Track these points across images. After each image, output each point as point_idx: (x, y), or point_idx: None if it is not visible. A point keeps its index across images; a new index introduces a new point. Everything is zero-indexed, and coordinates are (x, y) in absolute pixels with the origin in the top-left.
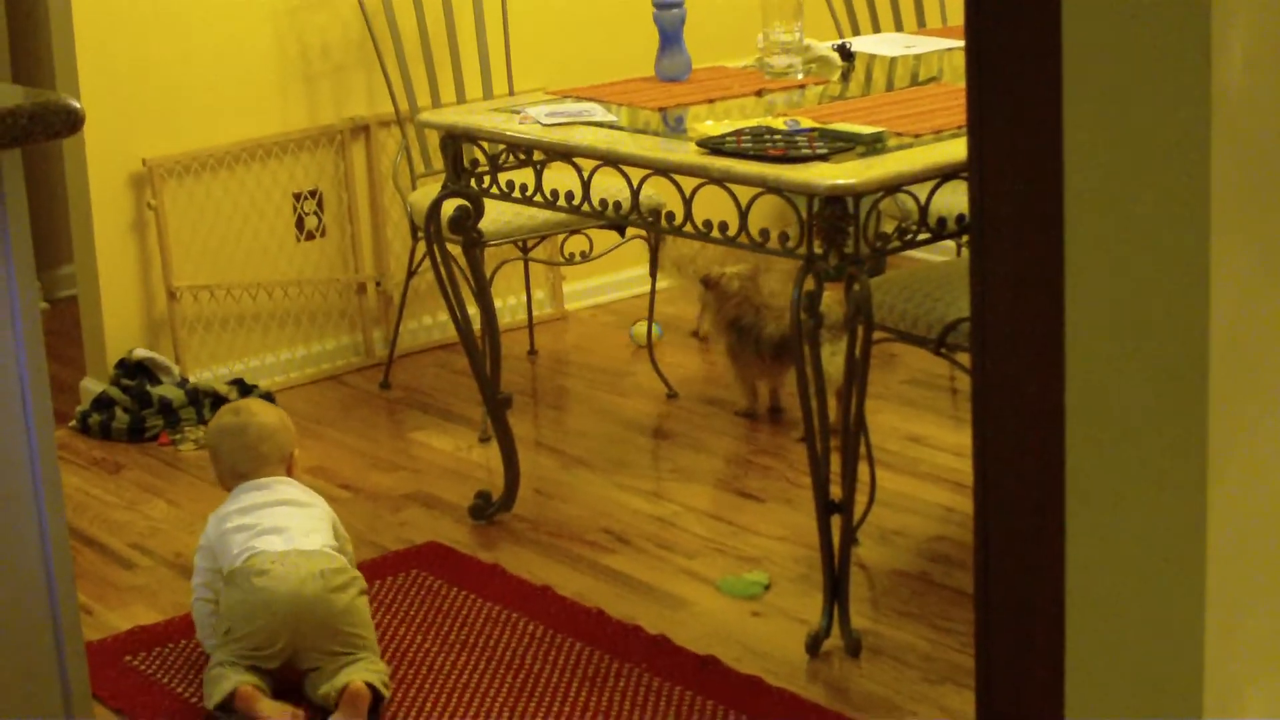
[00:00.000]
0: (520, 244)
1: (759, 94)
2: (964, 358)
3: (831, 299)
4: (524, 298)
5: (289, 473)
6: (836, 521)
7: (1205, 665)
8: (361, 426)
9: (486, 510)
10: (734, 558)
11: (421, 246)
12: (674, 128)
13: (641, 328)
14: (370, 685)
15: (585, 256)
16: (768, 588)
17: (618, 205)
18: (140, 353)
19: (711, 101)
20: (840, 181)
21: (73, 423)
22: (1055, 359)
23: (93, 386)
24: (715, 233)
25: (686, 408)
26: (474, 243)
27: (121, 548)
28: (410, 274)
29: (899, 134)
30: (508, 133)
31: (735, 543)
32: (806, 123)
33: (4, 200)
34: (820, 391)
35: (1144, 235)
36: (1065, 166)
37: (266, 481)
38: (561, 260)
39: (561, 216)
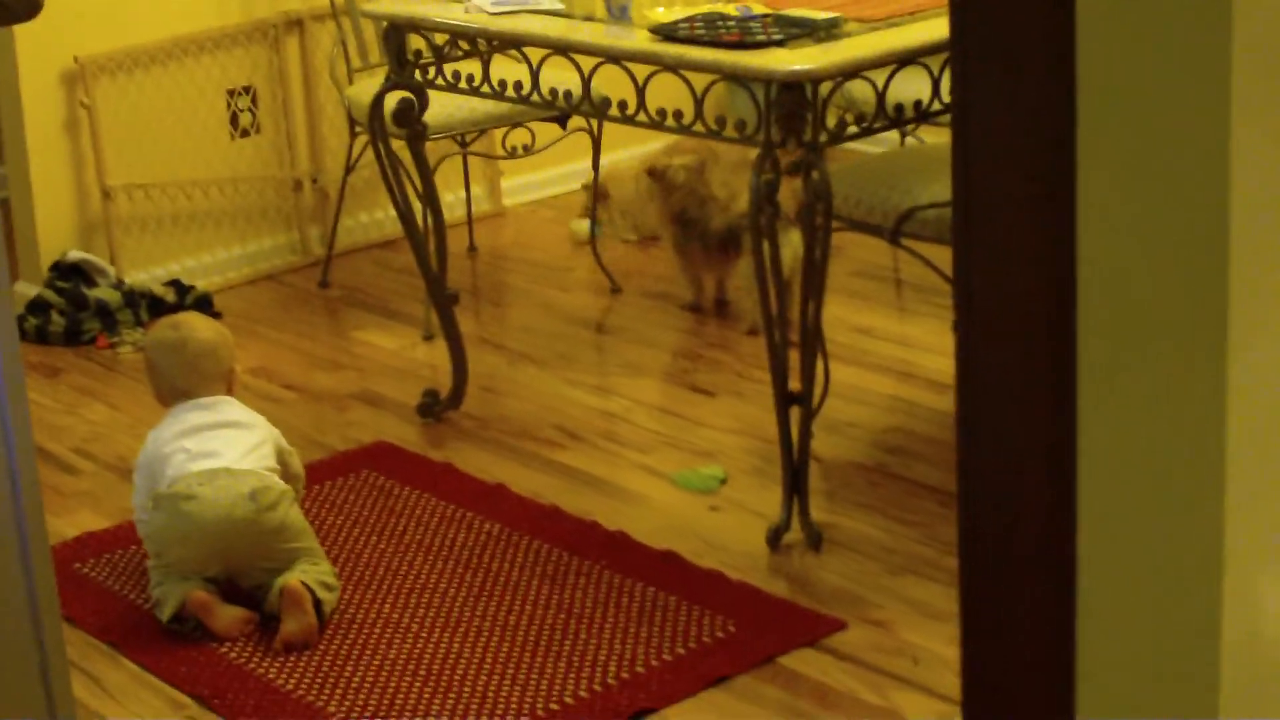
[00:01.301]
0: (459, 138)
1: None
2: (919, 246)
3: (785, 189)
4: (462, 194)
5: (230, 390)
6: (794, 414)
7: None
8: (302, 326)
9: (434, 408)
10: (688, 452)
11: (360, 142)
12: (618, 15)
13: (581, 224)
14: (306, 585)
15: (528, 150)
16: (724, 481)
17: (568, 95)
18: (75, 254)
19: None
20: (799, 67)
21: None
22: (1059, 254)
23: (27, 290)
24: (670, 121)
25: (631, 302)
26: (418, 136)
27: (64, 453)
28: (348, 170)
29: (855, 19)
30: (454, 22)
31: (688, 437)
32: (759, 8)
33: None
34: (779, 283)
35: (1165, 113)
36: (1079, 45)
37: (208, 401)
38: (503, 154)
39: (504, 109)
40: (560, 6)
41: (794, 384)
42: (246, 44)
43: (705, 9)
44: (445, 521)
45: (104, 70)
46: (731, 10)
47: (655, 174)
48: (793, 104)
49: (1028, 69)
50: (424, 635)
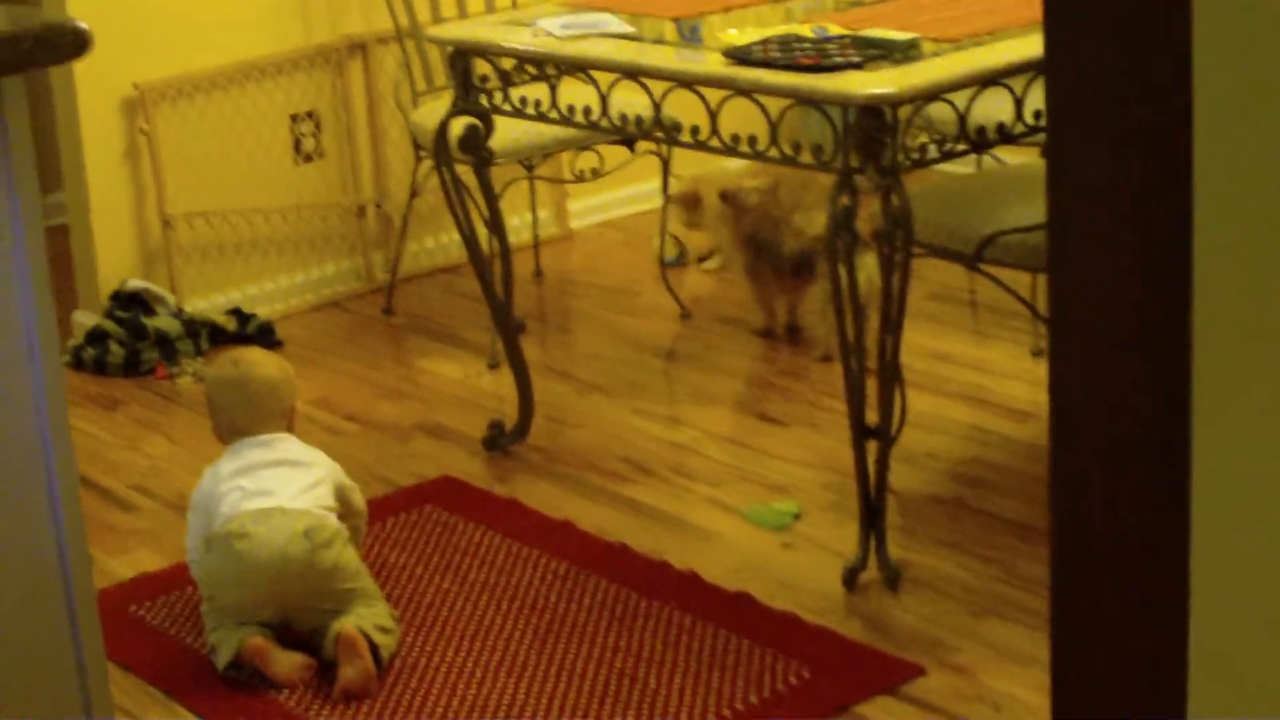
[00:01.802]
0: (525, 163)
1: (777, 0)
2: (1000, 272)
3: (860, 212)
4: (528, 217)
5: (290, 427)
6: (870, 447)
7: None
8: (365, 354)
9: (500, 441)
10: (760, 485)
11: (425, 167)
12: (689, 37)
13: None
14: (362, 631)
15: (596, 174)
16: (797, 517)
17: (639, 120)
18: (134, 283)
19: (728, 10)
20: (878, 91)
21: (65, 357)
22: (1167, 279)
23: (85, 319)
24: (744, 146)
25: (701, 328)
26: (484, 162)
27: (121, 489)
28: (413, 195)
29: (934, 39)
30: (522, 47)
31: (760, 469)
32: (835, 29)
33: (6, 128)
34: (857, 310)
35: None
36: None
37: (267, 438)
38: (570, 178)
39: (571, 132)
40: (630, 29)
41: (870, 415)
42: (309, 68)
43: (780, 31)
44: (510, 559)
45: (164, 97)
46: (807, 32)
47: (728, 197)
48: (871, 128)
49: (1129, 85)
50: (487, 680)
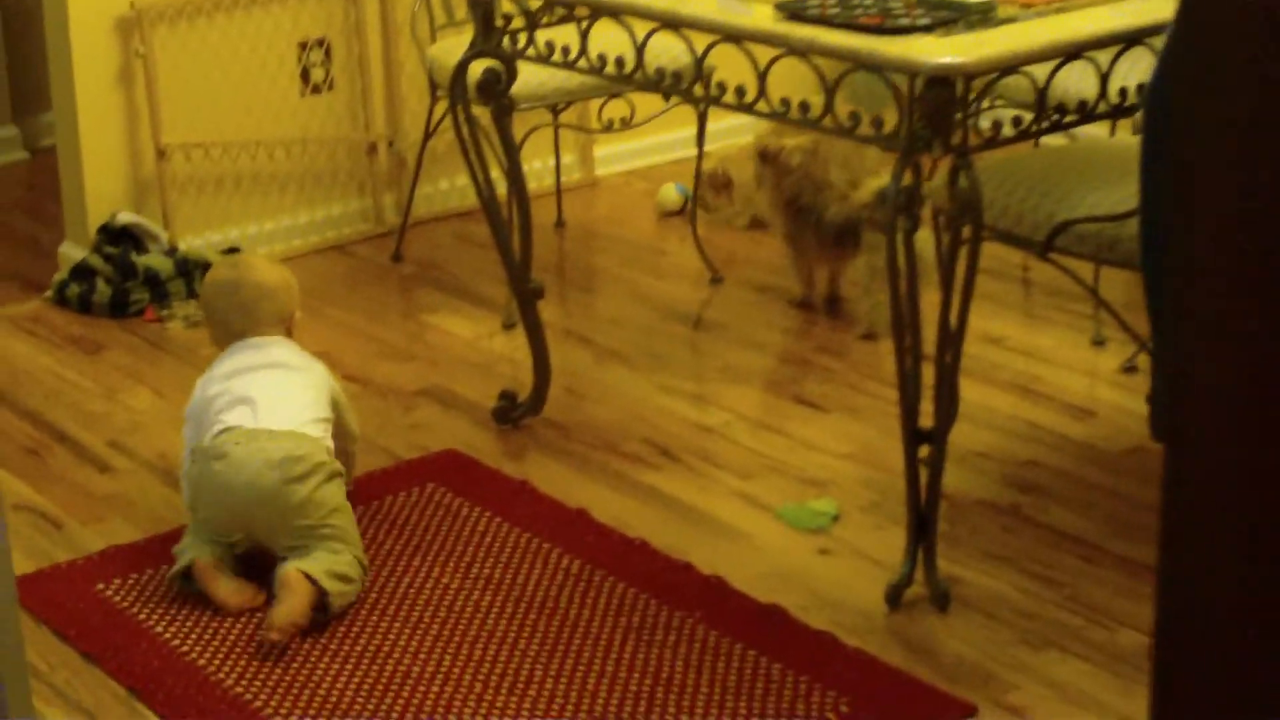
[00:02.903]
0: (551, 107)
1: None
2: (1072, 263)
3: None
4: (550, 162)
5: (289, 334)
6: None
7: None
8: (370, 305)
9: (512, 413)
10: (795, 479)
11: (441, 106)
12: None
13: (669, 191)
14: (308, 575)
15: (626, 124)
16: (836, 519)
17: (676, 76)
18: (125, 217)
19: None
20: (950, 60)
21: (49, 293)
22: None
23: (72, 253)
24: (794, 112)
25: (733, 295)
26: (505, 110)
27: (98, 446)
28: (427, 135)
29: (1008, 2)
30: None
31: (795, 461)
32: None
33: None
34: (913, 294)
35: None
36: None
37: (260, 341)
38: (598, 127)
39: (600, 79)
40: None
41: (924, 414)
42: None
43: None
44: (519, 553)
45: (163, 17)
46: None
47: (767, 156)
48: (940, 101)
49: None
50: (487, 696)
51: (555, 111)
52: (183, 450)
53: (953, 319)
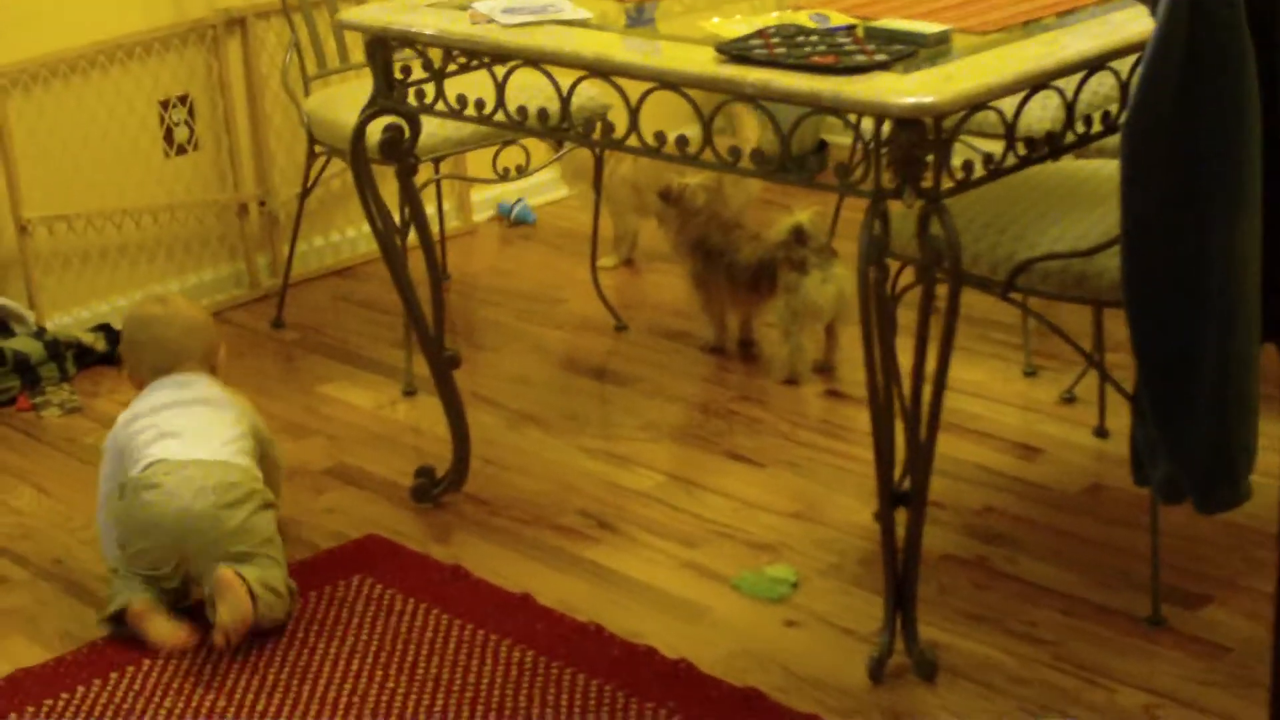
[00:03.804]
0: (434, 158)
1: None
2: (1034, 303)
3: (818, 216)
4: (430, 211)
5: (214, 373)
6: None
7: None
8: (256, 378)
9: (431, 490)
10: (744, 544)
11: (319, 162)
12: (636, 18)
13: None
14: (241, 576)
15: (522, 171)
16: (796, 585)
17: (608, 127)
18: None
19: None
20: (924, 100)
21: None
22: None
23: None
24: (745, 162)
25: (640, 342)
26: (410, 170)
27: None
28: (305, 193)
29: (961, 30)
30: (459, 37)
31: (741, 523)
32: (837, 17)
33: None
34: (889, 358)
35: None
36: None
37: (185, 378)
38: (495, 176)
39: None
40: (589, 15)
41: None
42: (181, 48)
43: (772, 20)
44: (465, 647)
45: (16, 83)
46: (805, 21)
47: (670, 196)
48: (909, 144)
49: None
50: None
51: (436, 162)
52: (99, 490)
53: (928, 371)
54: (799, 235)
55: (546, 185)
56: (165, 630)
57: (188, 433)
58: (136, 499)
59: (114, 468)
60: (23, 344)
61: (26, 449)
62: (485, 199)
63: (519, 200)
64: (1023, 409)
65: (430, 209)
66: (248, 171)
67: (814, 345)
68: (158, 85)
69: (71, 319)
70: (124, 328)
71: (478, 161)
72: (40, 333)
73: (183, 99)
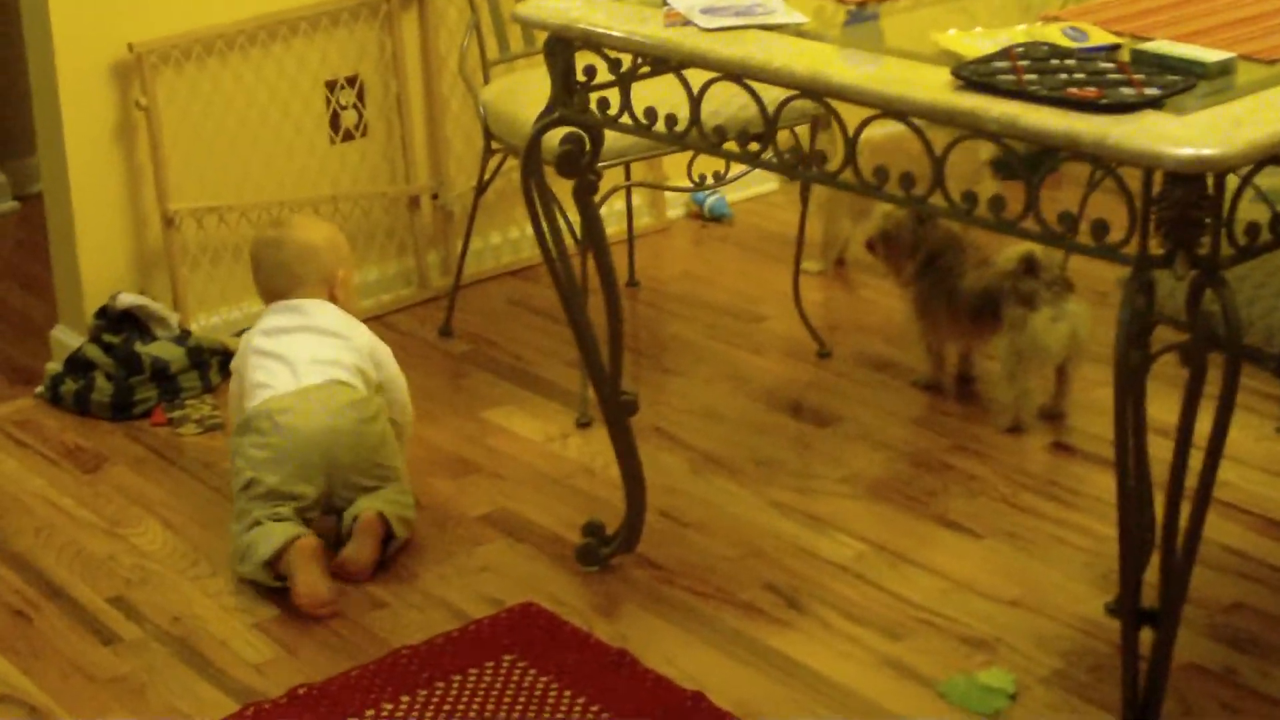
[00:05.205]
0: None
1: None
2: None
3: (1051, 251)
4: (618, 206)
5: (333, 297)
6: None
7: None
8: (421, 399)
9: (600, 552)
10: (953, 638)
11: (496, 158)
12: (856, 17)
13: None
14: (385, 517)
15: (719, 177)
16: (1014, 697)
17: (820, 158)
18: (126, 299)
19: None
20: (1207, 152)
21: (40, 389)
22: None
23: (67, 339)
24: (982, 210)
25: (844, 372)
26: (590, 187)
27: (99, 605)
28: (480, 189)
29: (1247, 58)
30: (653, 41)
31: (951, 610)
32: (1097, 34)
33: None
34: (1139, 446)
35: None
36: None
37: (299, 303)
38: (690, 184)
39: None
40: (804, 20)
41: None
42: (351, 23)
43: (1020, 35)
44: None
45: (166, 60)
46: (1058, 38)
47: (874, 248)
48: (1185, 202)
49: None
50: None
51: (628, 168)
52: (230, 414)
53: (1193, 466)
54: (1029, 265)
55: (745, 179)
56: (318, 584)
57: (299, 362)
58: (272, 424)
59: (237, 389)
60: (162, 349)
61: (159, 474)
62: (675, 195)
63: (715, 193)
64: (1277, 475)
65: (620, 205)
66: (421, 161)
67: (1042, 387)
68: (325, 64)
69: (219, 320)
70: (251, 248)
71: (670, 161)
72: (183, 337)
73: (351, 80)
